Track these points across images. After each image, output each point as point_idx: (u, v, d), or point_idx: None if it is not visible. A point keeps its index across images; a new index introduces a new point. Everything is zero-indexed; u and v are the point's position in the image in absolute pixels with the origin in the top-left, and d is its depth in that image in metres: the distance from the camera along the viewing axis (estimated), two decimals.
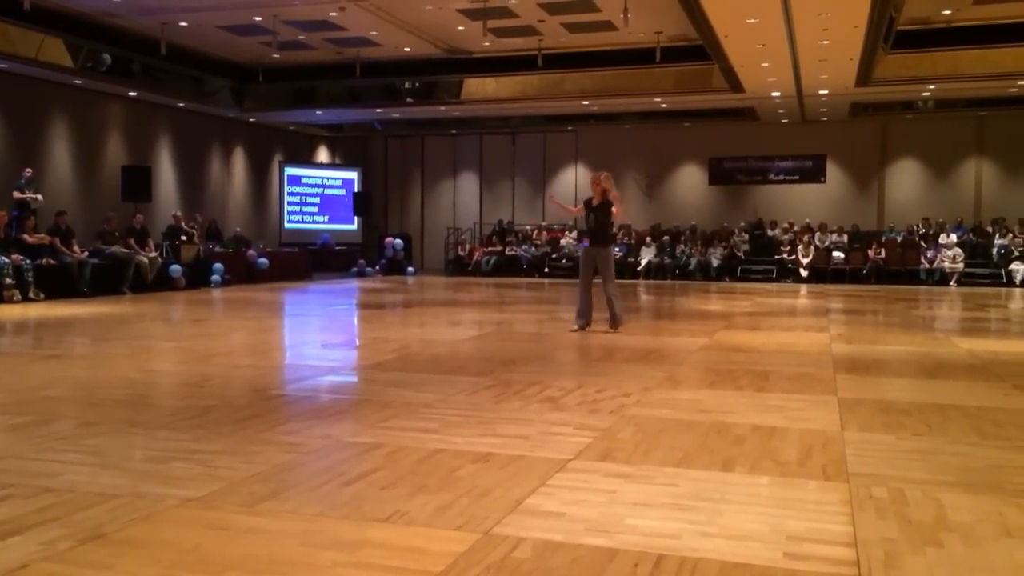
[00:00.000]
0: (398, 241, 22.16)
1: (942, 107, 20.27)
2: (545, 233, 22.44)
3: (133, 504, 3.02)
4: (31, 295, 12.16)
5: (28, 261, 12.35)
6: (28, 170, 14.33)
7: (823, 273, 19.52)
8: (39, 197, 14.29)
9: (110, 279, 13.71)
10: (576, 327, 8.65)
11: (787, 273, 19.87)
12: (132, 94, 17.72)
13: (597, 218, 8.58)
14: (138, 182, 16.44)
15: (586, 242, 8.91)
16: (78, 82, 16.34)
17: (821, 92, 17.96)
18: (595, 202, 8.65)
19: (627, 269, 20.31)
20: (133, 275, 14.10)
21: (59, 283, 12.80)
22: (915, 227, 20.33)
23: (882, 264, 19.22)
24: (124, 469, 3.49)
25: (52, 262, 12.94)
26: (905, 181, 21.52)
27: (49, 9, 14.21)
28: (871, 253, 19.43)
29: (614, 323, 8.60)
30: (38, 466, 3.51)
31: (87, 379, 5.68)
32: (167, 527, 2.81)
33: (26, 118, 15.89)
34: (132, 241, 14.49)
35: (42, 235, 13.23)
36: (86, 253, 13.70)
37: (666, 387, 5.50)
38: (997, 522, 2.92)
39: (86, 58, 15.79)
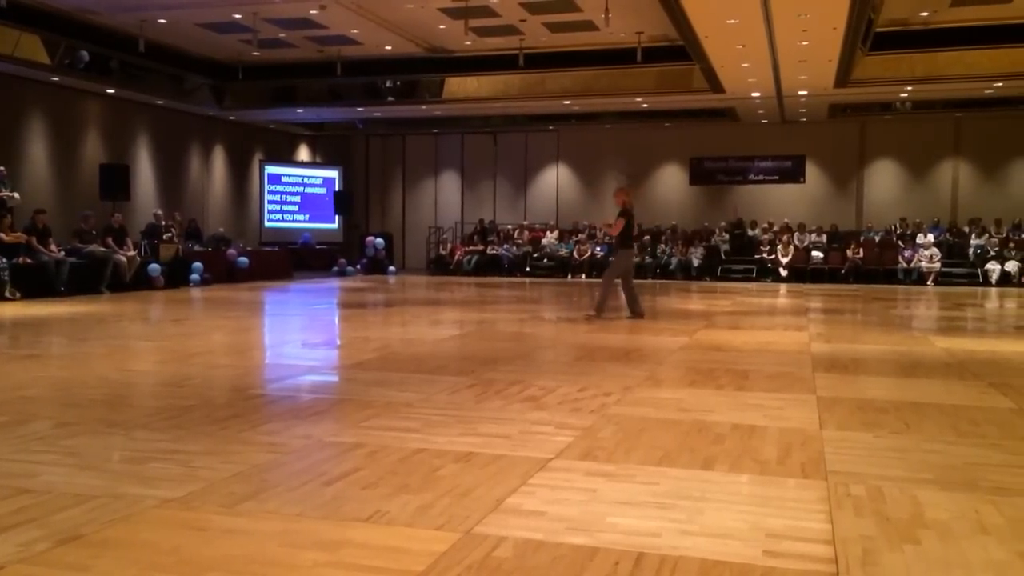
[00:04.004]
0: (379, 240, 22.08)
1: (919, 108, 20.49)
2: (527, 232, 22.45)
3: (111, 505, 3.00)
4: (7, 294, 12.04)
5: (4, 260, 12.22)
6: (2, 168, 14.16)
7: (802, 272, 19.66)
8: (16, 195, 14.12)
9: (88, 278, 13.58)
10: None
11: (767, 273, 19.99)
12: (110, 92, 17.56)
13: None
14: (116, 180, 16.29)
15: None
16: (55, 79, 16.17)
17: (800, 93, 18.09)
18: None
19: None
20: (111, 274, 13.98)
21: (36, 282, 12.67)
22: (893, 227, 20.53)
23: (860, 264, 19.38)
24: (102, 470, 3.47)
25: (29, 261, 12.80)
26: (883, 181, 21.71)
27: (26, 5, 14.07)
28: (850, 253, 19.58)
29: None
30: (14, 467, 3.47)
31: (64, 379, 5.63)
32: (146, 528, 2.79)
33: (2, 116, 15.71)
34: (110, 240, 14.37)
35: (18, 234, 13.08)
36: (63, 252, 13.57)
37: (647, 386, 5.52)
38: (973, 519, 2.96)
39: (63, 55, 15.64)
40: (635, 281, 10.30)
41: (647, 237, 21.06)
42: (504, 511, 2.98)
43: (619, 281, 10.14)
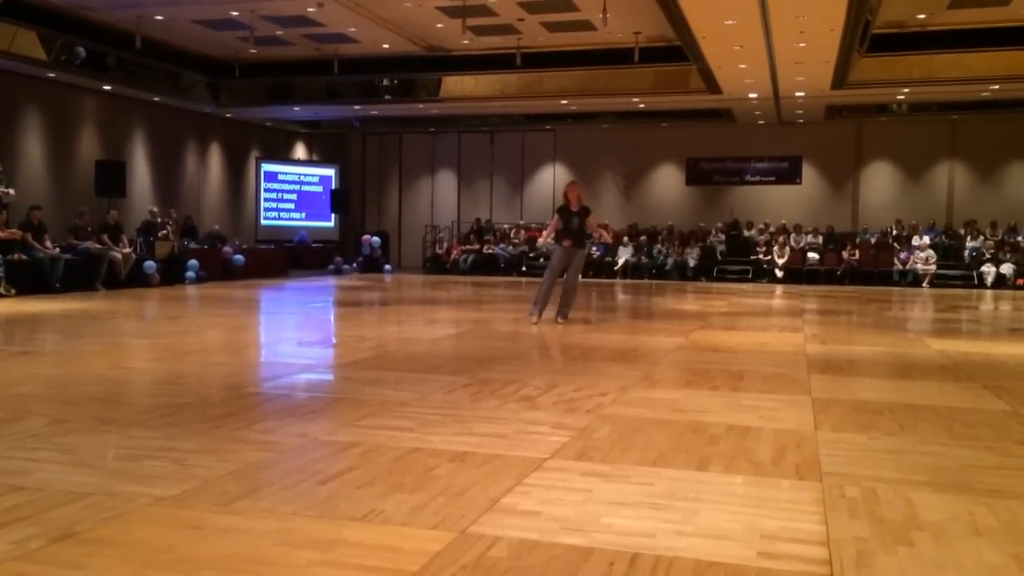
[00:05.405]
0: (375, 239, 22.07)
1: (916, 110, 20.52)
2: (523, 232, 22.46)
3: (105, 503, 2.99)
4: (2, 291, 12.01)
5: None
6: None
7: (798, 274, 19.69)
8: (11, 191, 14.09)
9: (83, 275, 13.56)
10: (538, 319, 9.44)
11: (763, 273, 20.02)
12: (106, 88, 17.53)
13: (580, 222, 9.25)
14: (112, 177, 16.28)
15: (566, 242, 9.33)
16: (51, 75, 16.13)
17: (797, 94, 18.11)
18: (574, 208, 9.26)
19: (604, 269, 20.38)
20: (106, 271, 13.96)
21: (31, 279, 12.64)
22: (888, 229, 20.57)
23: (856, 265, 19.42)
24: (96, 467, 3.46)
25: (24, 257, 12.77)
26: (879, 183, 21.75)
27: (22, 1, 14.03)
28: (845, 254, 19.62)
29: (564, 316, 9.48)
30: (8, 464, 3.46)
31: (59, 376, 5.61)
32: (140, 526, 2.78)
33: None
34: (105, 237, 14.34)
35: (13, 230, 13.06)
36: (58, 249, 13.54)
37: (642, 386, 5.52)
38: (967, 521, 2.96)
39: (60, 51, 15.60)
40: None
41: (643, 237, 21.10)
42: (499, 511, 2.98)
43: (548, 275, 9.54)
